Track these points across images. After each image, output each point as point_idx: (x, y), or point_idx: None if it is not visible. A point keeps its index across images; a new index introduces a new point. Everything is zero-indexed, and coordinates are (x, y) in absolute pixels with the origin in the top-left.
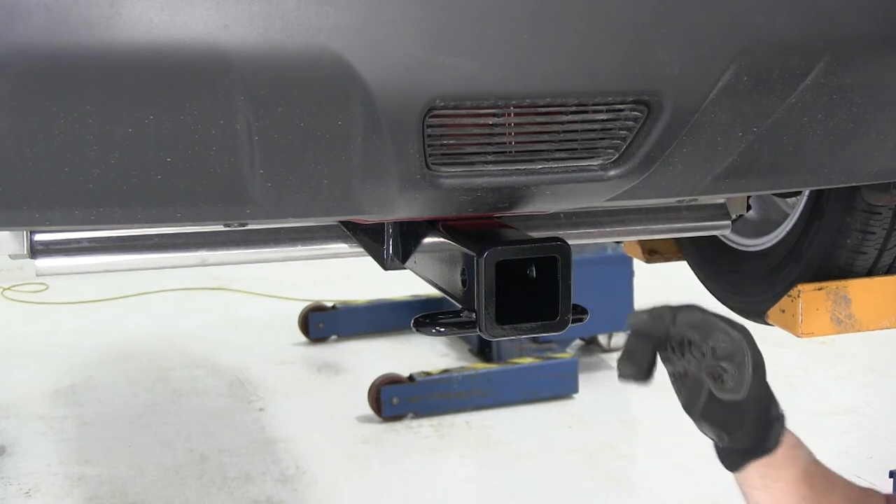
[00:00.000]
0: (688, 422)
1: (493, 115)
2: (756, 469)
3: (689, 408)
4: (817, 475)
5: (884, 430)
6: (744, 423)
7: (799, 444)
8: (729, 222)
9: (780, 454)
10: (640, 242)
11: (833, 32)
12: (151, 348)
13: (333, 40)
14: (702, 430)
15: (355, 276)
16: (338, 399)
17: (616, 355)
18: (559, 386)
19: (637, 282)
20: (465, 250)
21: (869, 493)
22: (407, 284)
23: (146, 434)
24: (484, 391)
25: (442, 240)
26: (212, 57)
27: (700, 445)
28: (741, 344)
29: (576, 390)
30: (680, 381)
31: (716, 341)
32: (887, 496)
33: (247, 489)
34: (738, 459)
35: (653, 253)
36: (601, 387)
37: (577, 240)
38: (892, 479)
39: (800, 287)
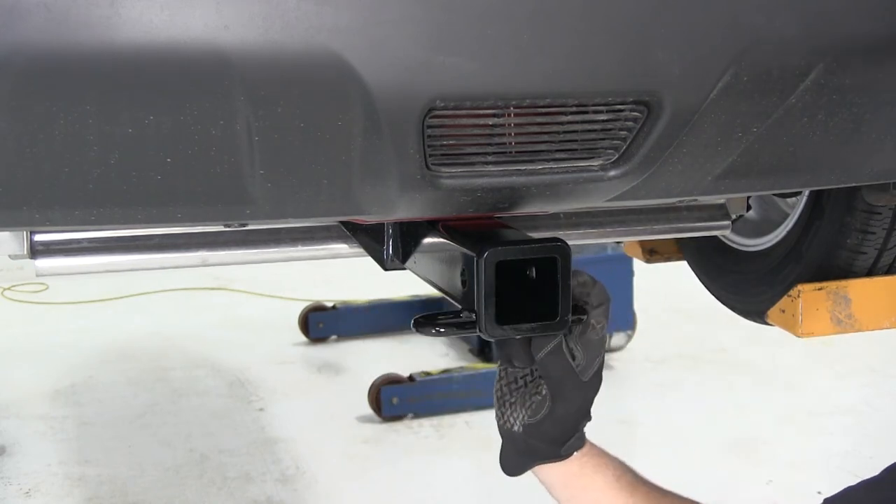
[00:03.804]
0: (687, 423)
1: (494, 115)
2: (555, 477)
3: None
4: (635, 483)
5: (884, 430)
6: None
7: (601, 455)
8: (729, 222)
9: (578, 465)
10: (640, 242)
11: (833, 33)
12: (151, 348)
13: (333, 40)
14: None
15: (355, 276)
16: (338, 399)
17: (616, 355)
18: None
19: (637, 282)
20: (465, 250)
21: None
22: (407, 284)
23: (146, 434)
24: (484, 391)
25: (442, 240)
26: (212, 57)
27: (699, 445)
28: (604, 344)
29: None
30: None
31: (597, 324)
32: None
33: (247, 489)
34: (526, 457)
35: (653, 253)
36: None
37: (577, 240)
38: None
39: (800, 287)
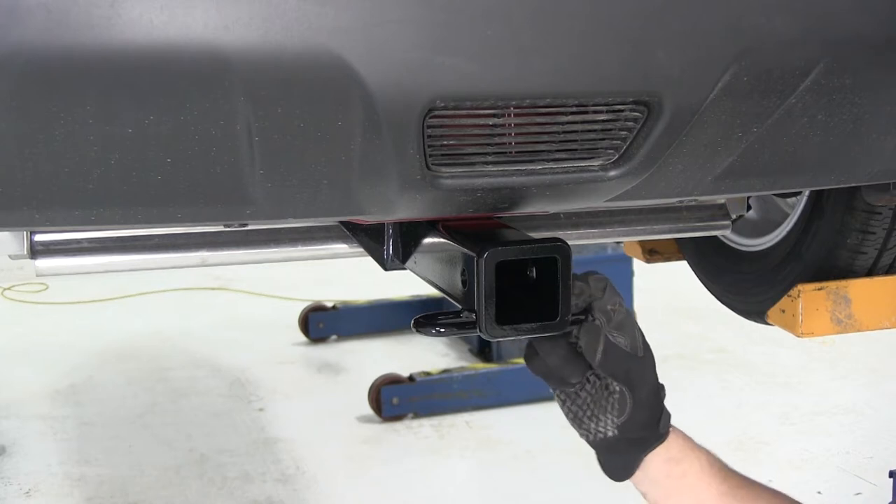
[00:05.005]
0: (687, 423)
1: (494, 115)
2: (657, 467)
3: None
4: (726, 470)
5: (884, 430)
6: (641, 387)
7: (691, 440)
8: (729, 222)
9: (677, 447)
10: (640, 242)
11: (833, 33)
12: (151, 348)
13: (333, 40)
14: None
15: (355, 276)
16: (338, 399)
17: None
18: None
19: (637, 282)
20: (465, 251)
21: (780, 496)
22: (407, 284)
23: (146, 434)
24: (484, 391)
25: (442, 240)
26: (212, 58)
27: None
28: (632, 317)
29: None
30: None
31: (613, 306)
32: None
33: (247, 489)
34: (632, 454)
35: (653, 253)
36: None
37: (577, 240)
38: (892, 479)
39: (800, 287)
